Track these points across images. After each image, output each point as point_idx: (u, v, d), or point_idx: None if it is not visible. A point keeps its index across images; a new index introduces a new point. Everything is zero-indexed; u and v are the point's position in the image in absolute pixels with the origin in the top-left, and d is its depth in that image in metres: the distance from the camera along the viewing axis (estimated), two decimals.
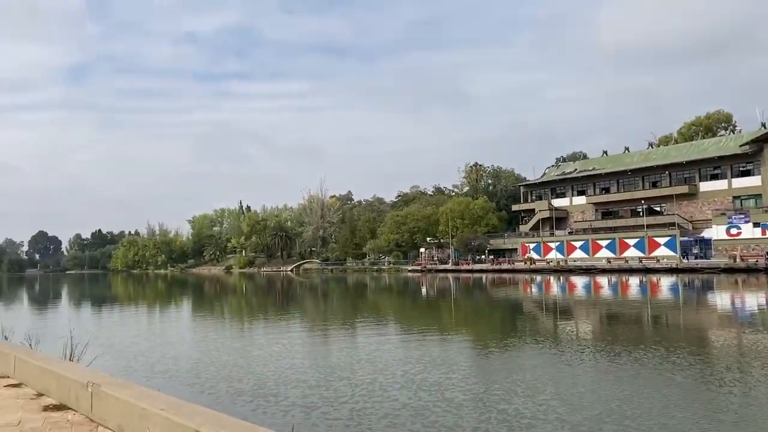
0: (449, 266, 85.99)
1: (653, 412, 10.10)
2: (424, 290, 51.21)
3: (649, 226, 75.83)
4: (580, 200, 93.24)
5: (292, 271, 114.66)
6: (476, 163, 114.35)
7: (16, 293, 71.89)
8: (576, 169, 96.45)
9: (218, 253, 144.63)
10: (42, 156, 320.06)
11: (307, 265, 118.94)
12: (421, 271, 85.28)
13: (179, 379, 13.94)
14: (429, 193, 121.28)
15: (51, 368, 7.47)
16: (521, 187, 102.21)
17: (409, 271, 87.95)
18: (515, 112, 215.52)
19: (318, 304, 40.94)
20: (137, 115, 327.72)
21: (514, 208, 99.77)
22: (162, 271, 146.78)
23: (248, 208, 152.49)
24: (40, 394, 7.47)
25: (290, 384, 12.99)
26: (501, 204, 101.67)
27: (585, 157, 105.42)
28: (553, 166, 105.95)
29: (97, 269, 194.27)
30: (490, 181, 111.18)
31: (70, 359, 11.46)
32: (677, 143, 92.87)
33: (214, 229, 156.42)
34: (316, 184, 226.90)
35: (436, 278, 70.60)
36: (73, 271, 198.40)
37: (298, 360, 16.18)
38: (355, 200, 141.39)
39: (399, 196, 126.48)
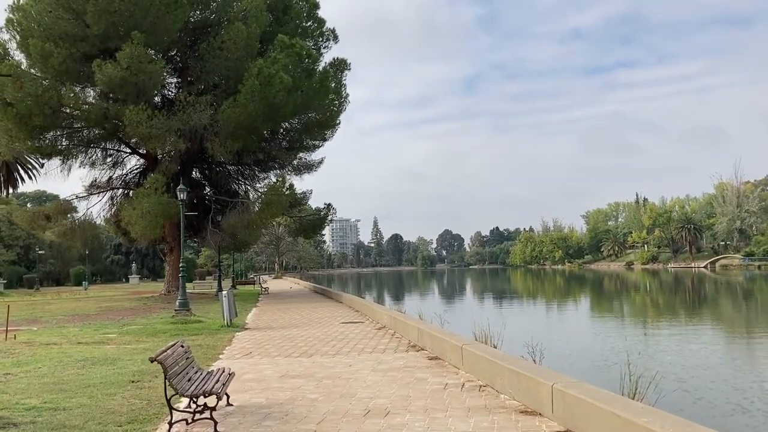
0: None
1: None
2: None
3: None
4: None
5: (706, 267, 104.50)
6: None
7: (448, 288, 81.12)
8: None
9: (616, 249, 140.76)
10: (442, 162, 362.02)
11: (723, 261, 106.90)
12: None
13: None
14: None
15: (639, 422, 4.81)
16: None
17: None
18: None
19: None
20: (526, 117, 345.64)
21: None
22: (559, 267, 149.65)
23: (645, 200, 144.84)
24: None
25: None
26: None
27: None
28: None
29: (496, 264, 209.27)
30: None
31: (632, 398, 8.58)
32: None
33: (609, 223, 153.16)
34: (725, 169, 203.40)
35: None
36: (476, 266, 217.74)
37: None
38: None
39: None
